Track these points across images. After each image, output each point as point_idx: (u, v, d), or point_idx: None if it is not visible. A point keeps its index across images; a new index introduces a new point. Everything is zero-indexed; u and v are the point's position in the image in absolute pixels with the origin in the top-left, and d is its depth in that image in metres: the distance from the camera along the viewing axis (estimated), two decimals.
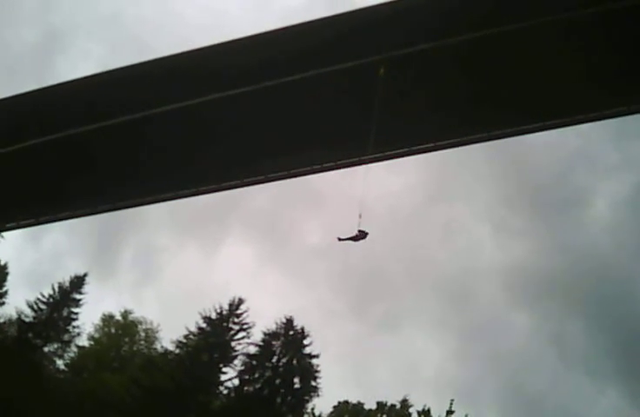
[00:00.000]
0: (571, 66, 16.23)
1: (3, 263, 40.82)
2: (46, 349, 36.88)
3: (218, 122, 19.40)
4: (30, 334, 36.71)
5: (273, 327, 41.42)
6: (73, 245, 65.44)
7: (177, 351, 39.87)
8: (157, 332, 41.55)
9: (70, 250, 63.52)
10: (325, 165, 20.70)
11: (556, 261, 65.50)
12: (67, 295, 38.93)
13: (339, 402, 37.29)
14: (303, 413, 37.80)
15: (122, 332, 41.03)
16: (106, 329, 41.23)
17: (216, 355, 39.84)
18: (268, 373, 39.66)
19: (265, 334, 41.26)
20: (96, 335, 40.69)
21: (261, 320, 43.19)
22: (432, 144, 20.19)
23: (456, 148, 21.46)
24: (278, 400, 38.73)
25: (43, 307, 38.11)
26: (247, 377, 39.48)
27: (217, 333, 40.67)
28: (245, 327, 41.40)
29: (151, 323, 41.84)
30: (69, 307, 38.65)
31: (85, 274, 39.65)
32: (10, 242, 35.79)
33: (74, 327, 38.10)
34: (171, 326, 44.02)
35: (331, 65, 16.78)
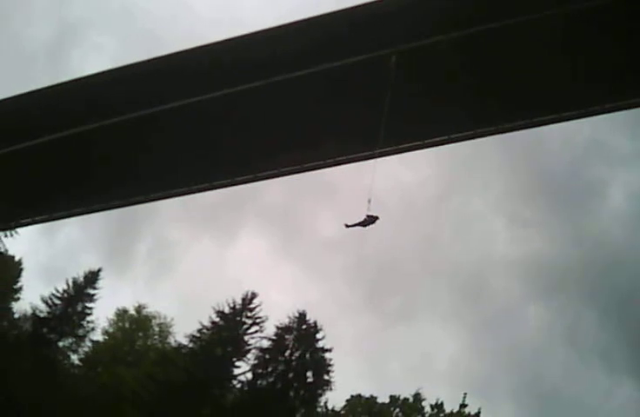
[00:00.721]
0: (586, 57, 16.08)
1: (17, 259, 41.12)
2: (61, 344, 37.16)
3: (231, 118, 19.41)
4: (45, 329, 36.99)
5: (286, 321, 41.59)
6: (88, 239, 65.89)
7: (191, 345, 40.06)
8: (171, 326, 41.82)
9: (84, 244, 63.94)
10: (338, 159, 20.65)
11: (570, 252, 65.17)
12: (81, 290, 39.17)
13: (352, 396, 37.34)
14: (316, 407, 37.90)
15: (136, 326, 41.24)
16: (120, 324, 41.47)
17: (229, 349, 40.03)
18: (281, 367, 39.79)
19: (278, 328, 41.39)
20: (111, 330, 40.94)
21: (274, 313, 43.37)
22: (446, 137, 20.10)
23: (470, 141, 21.36)
24: (291, 393, 38.85)
25: (57, 302, 38.36)
26: (260, 371, 39.64)
27: (231, 327, 40.83)
28: (258, 321, 41.55)
29: (165, 318, 42.11)
30: (83, 302, 38.90)
31: (99, 270, 39.93)
32: (25, 237, 36.06)
33: (88, 321, 38.35)
34: (185, 320, 44.27)
35: (343, 59, 16.71)
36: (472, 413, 34.07)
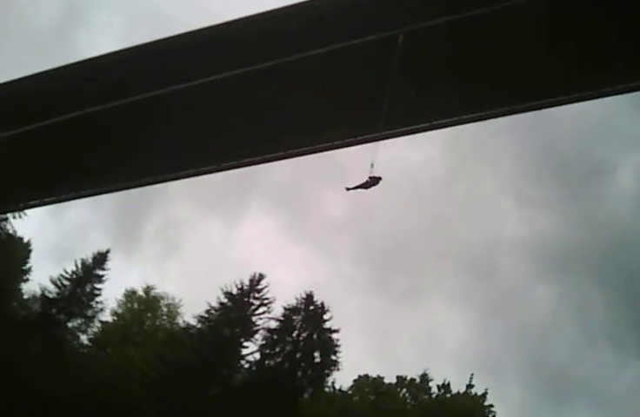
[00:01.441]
0: (595, 38, 15.76)
1: (26, 240, 41.30)
2: (70, 325, 37.46)
3: (238, 99, 19.24)
4: (54, 310, 37.27)
5: (293, 302, 41.79)
6: (96, 219, 66.14)
7: (199, 326, 40.34)
8: (179, 307, 42.06)
9: (93, 225, 64.19)
10: (346, 141, 20.52)
11: (579, 233, 64.95)
12: (90, 272, 39.39)
13: (359, 376, 37.58)
14: (323, 387, 38.19)
15: (144, 307, 41.50)
16: (129, 305, 41.71)
17: (237, 330, 40.28)
18: (288, 348, 40.08)
19: (286, 309, 41.60)
20: (120, 311, 41.21)
21: (282, 293, 43.54)
22: (455, 118, 19.90)
23: (479, 122, 21.14)
24: (299, 373, 39.17)
25: (66, 283, 38.61)
26: (268, 351, 39.94)
27: (238, 308, 41.06)
28: (266, 302, 41.75)
29: (173, 298, 42.34)
30: (92, 283, 39.13)
31: (108, 251, 40.09)
32: (34, 218, 36.11)
33: (97, 302, 38.62)
34: (193, 300, 44.52)
35: (352, 39, 16.47)
36: (479, 393, 34.26)
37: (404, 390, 35.84)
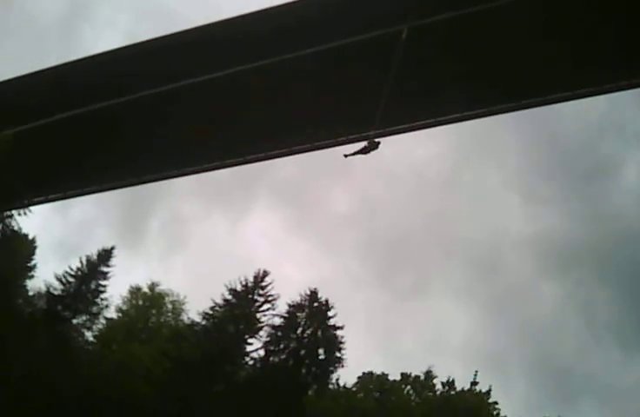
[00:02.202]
0: (600, 36, 15.69)
1: (31, 237, 41.40)
2: (75, 321, 37.53)
3: (240, 97, 19.27)
4: (60, 307, 37.34)
5: (298, 298, 41.82)
6: (101, 216, 66.36)
7: (204, 322, 40.42)
8: (184, 304, 42.13)
9: (97, 221, 64.39)
10: (350, 137, 20.56)
11: (584, 229, 64.85)
12: (95, 268, 39.46)
13: (364, 373, 37.57)
14: (327, 384, 38.21)
15: (149, 304, 41.58)
16: (134, 301, 41.79)
17: (241, 327, 40.35)
18: (293, 345, 40.13)
19: (290, 305, 41.66)
20: (124, 307, 41.28)
21: (286, 289, 43.62)
22: (459, 115, 19.85)
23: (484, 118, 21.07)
24: (303, 370, 39.21)
25: (71, 280, 38.69)
26: (272, 348, 39.99)
27: (243, 305, 41.13)
28: (270, 298, 41.82)
29: (178, 295, 42.42)
30: (97, 279, 39.20)
31: (112, 248, 40.15)
32: (39, 214, 36.12)
33: (102, 299, 38.67)
34: (197, 297, 44.61)
35: (356, 35, 16.44)
36: (483, 390, 34.20)
37: (409, 387, 35.80)
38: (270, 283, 42.13)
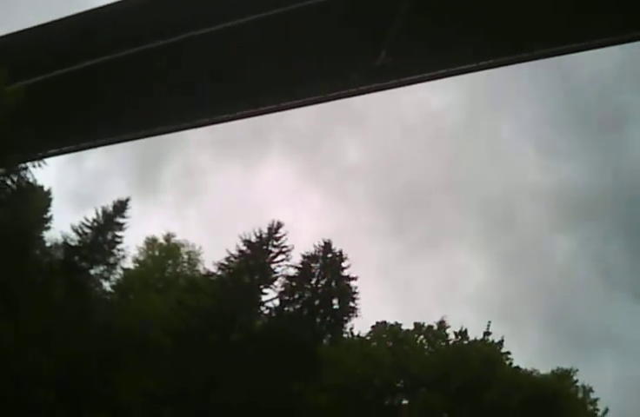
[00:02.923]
0: None
1: (46, 189, 41.48)
2: (92, 272, 37.94)
3: (252, 48, 18.76)
4: (77, 257, 37.68)
5: (312, 250, 41.99)
6: (115, 166, 66.49)
7: (219, 273, 40.81)
8: (199, 254, 42.44)
9: (112, 171, 64.56)
10: (361, 88, 20.10)
11: (601, 182, 64.07)
12: (110, 220, 39.56)
13: (377, 323, 37.98)
14: (341, 333, 38.75)
15: (165, 254, 41.93)
16: (150, 252, 42.15)
17: (256, 277, 40.69)
18: (307, 295, 40.53)
19: (304, 256, 41.86)
20: (141, 258, 41.69)
21: (300, 240, 43.80)
22: (474, 64, 19.25)
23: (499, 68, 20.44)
24: (318, 320, 39.74)
25: (87, 231, 38.87)
26: (287, 298, 40.41)
27: (257, 255, 41.36)
28: (284, 250, 41.99)
29: (193, 246, 42.69)
30: (113, 230, 39.34)
31: (128, 199, 40.11)
32: (53, 166, 35.98)
33: (118, 250, 38.92)
34: (212, 247, 44.97)
35: None
36: (496, 341, 34.50)
37: (422, 337, 36.20)
38: (283, 235, 42.24)
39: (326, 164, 76.16)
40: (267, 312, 40.36)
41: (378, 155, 72.13)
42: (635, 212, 58.12)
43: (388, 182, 68.47)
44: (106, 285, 38.50)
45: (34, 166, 30.37)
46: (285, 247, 42.14)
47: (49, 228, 40.62)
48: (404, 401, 33.72)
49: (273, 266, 41.63)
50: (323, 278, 41.32)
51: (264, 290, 40.68)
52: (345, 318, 39.61)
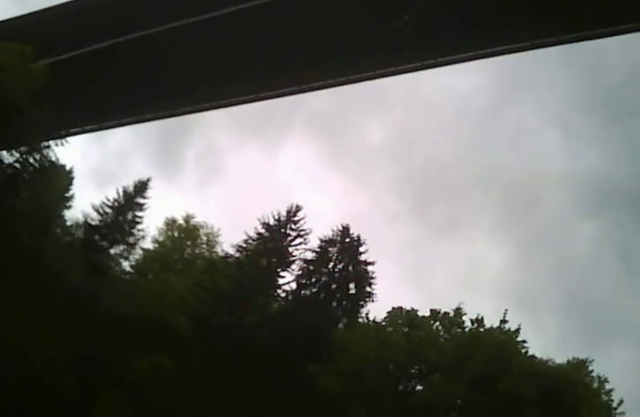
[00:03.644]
0: None
1: (68, 168, 41.69)
2: (112, 251, 38.32)
3: (278, 26, 18.62)
4: (97, 237, 38.06)
5: (330, 233, 42.04)
6: (137, 145, 66.68)
7: (237, 255, 41.06)
8: (218, 236, 42.65)
9: (134, 150, 64.80)
10: (387, 70, 19.93)
11: (626, 168, 63.11)
12: (131, 200, 39.82)
13: (393, 308, 37.92)
14: (357, 318, 38.85)
15: (184, 236, 42.19)
16: (169, 233, 42.42)
17: (274, 260, 40.93)
18: (324, 279, 40.67)
19: (322, 240, 41.95)
20: (160, 239, 41.99)
21: (319, 223, 43.83)
22: (505, 47, 18.91)
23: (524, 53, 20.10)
24: (334, 304, 39.89)
25: (108, 210, 39.19)
26: (304, 281, 40.61)
27: (275, 238, 41.54)
28: (302, 233, 42.17)
29: (212, 228, 42.90)
30: (133, 210, 39.61)
31: (149, 179, 40.26)
32: (75, 144, 36.07)
33: (138, 230, 39.19)
34: (231, 229, 45.15)
35: None
36: (512, 329, 34.33)
37: (437, 323, 36.12)
38: (302, 218, 42.41)
39: (347, 146, 75.73)
40: (283, 295, 40.67)
41: (400, 138, 71.67)
42: None
43: (409, 165, 68.03)
44: (125, 265, 38.92)
45: (56, 144, 30.56)
46: (303, 230, 42.32)
47: (70, 206, 40.94)
48: (419, 387, 33.83)
49: (291, 249, 41.87)
50: (340, 262, 41.42)
51: (281, 273, 40.96)
52: (361, 303, 39.74)
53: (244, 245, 41.51)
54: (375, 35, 19.21)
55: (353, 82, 21.80)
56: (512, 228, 63.83)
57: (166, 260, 40.30)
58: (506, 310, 35.08)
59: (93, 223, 38.70)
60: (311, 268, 41.07)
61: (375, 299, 39.97)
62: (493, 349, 32.56)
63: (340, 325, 38.59)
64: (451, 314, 36.35)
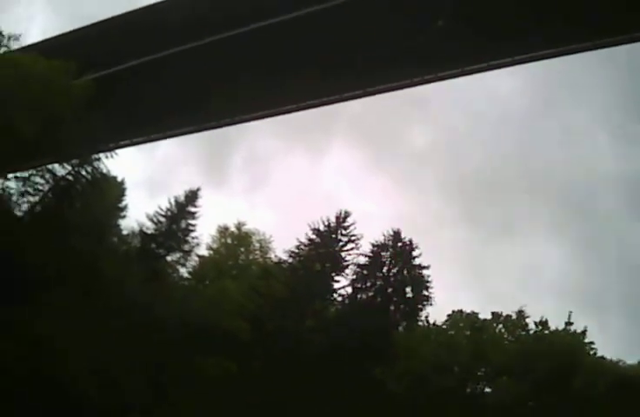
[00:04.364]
0: None
1: (120, 179, 42.16)
2: (169, 258, 38.51)
3: (323, 38, 18.76)
4: (153, 245, 38.30)
5: (381, 238, 41.72)
6: (185, 155, 67.09)
7: (290, 260, 40.96)
8: (270, 242, 42.61)
9: (182, 160, 65.26)
10: (426, 77, 20.04)
11: None
12: (183, 209, 40.07)
13: (453, 311, 37.36)
14: (416, 321, 38.33)
15: (237, 242, 42.24)
16: (222, 240, 42.53)
17: (327, 265, 40.71)
18: (379, 283, 40.29)
19: (374, 245, 41.61)
20: (214, 246, 42.09)
21: (369, 228, 43.45)
22: (552, 50, 18.70)
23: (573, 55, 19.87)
24: (391, 307, 39.43)
25: (162, 219, 39.46)
26: (359, 286, 40.27)
27: (327, 244, 41.36)
28: (353, 238, 41.93)
29: (264, 234, 42.89)
30: (186, 219, 39.83)
31: (199, 188, 40.50)
32: (126, 154, 36.58)
33: (192, 237, 39.36)
34: (281, 235, 45.02)
35: None
36: (578, 331, 33.48)
37: (500, 326, 35.44)
38: (352, 224, 42.19)
39: (393, 151, 75.26)
40: (340, 299, 40.35)
41: (446, 141, 70.97)
42: None
43: (457, 168, 67.19)
44: (183, 271, 39.06)
45: (106, 157, 31.14)
46: (354, 235, 42.04)
47: (124, 216, 41.33)
48: (487, 389, 33.12)
49: (343, 254, 41.59)
50: (394, 267, 40.99)
51: (336, 278, 40.70)
52: (419, 306, 39.18)
53: (297, 251, 41.40)
54: (414, 42, 19.11)
55: (395, 90, 21.71)
56: (568, 230, 62.29)
57: (221, 266, 40.37)
58: (570, 312, 34.26)
59: (148, 232, 38.97)
60: (365, 272, 40.73)
61: (433, 302, 39.44)
62: (561, 351, 31.73)
63: (400, 328, 38.10)
64: (513, 316, 35.63)
